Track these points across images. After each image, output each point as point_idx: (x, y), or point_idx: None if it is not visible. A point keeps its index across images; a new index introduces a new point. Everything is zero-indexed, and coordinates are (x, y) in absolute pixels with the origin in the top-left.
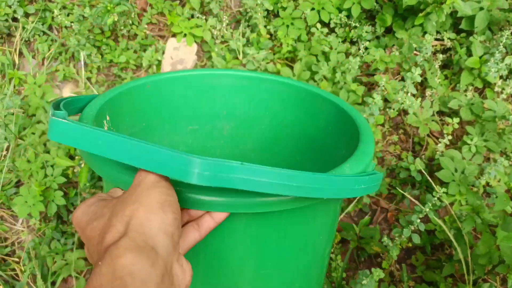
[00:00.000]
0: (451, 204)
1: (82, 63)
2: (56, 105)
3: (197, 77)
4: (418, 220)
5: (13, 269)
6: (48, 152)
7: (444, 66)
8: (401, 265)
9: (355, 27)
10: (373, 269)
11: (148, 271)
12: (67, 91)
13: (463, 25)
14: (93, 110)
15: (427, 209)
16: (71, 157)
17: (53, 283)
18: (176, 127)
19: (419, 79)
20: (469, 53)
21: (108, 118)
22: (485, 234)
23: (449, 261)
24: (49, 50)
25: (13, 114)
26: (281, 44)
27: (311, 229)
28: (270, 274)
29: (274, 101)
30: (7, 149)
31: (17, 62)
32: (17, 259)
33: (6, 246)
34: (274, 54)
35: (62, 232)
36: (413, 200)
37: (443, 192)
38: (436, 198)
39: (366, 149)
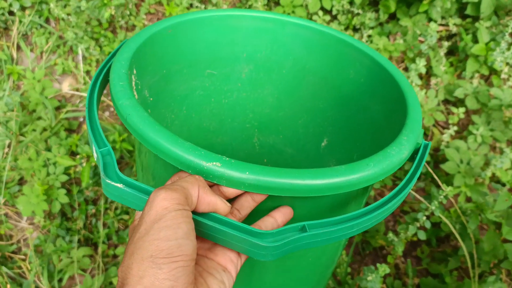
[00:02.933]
0: (457, 195)
1: (80, 57)
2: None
3: (219, 18)
4: (424, 218)
5: (20, 267)
6: (49, 149)
7: (449, 52)
8: (406, 258)
9: (358, 14)
10: (378, 265)
11: None
12: (66, 85)
13: (468, 11)
14: (124, 67)
15: (433, 207)
16: (73, 154)
17: (60, 280)
18: (194, 71)
19: (423, 70)
20: (475, 39)
21: (135, 71)
22: (489, 231)
23: (455, 254)
24: (47, 43)
25: (13, 110)
26: None
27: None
28: (299, 260)
29: (298, 45)
30: (9, 146)
31: (15, 56)
32: (23, 257)
33: (12, 244)
34: None
35: (67, 229)
36: (418, 197)
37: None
38: (442, 196)
39: (417, 116)
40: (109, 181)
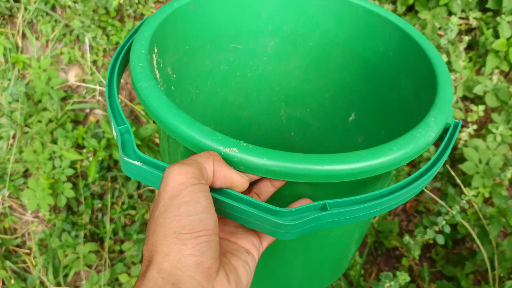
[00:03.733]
0: (474, 196)
1: (87, 46)
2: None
3: None
4: (444, 222)
5: (24, 261)
6: (55, 141)
7: (469, 46)
8: (420, 259)
9: None
10: (398, 273)
11: None
12: (73, 76)
13: (489, 4)
14: (144, 47)
15: (454, 212)
16: (79, 146)
17: (66, 275)
18: (218, 47)
19: None
20: (496, 34)
21: (156, 50)
22: (511, 238)
23: (471, 257)
24: (53, 31)
25: (18, 101)
26: None
27: None
28: (320, 248)
29: (326, 17)
30: (14, 137)
31: (20, 44)
32: (27, 251)
33: (16, 238)
34: None
35: (73, 224)
36: (434, 197)
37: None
38: (464, 201)
39: (447, 95)
40: (127, 159)
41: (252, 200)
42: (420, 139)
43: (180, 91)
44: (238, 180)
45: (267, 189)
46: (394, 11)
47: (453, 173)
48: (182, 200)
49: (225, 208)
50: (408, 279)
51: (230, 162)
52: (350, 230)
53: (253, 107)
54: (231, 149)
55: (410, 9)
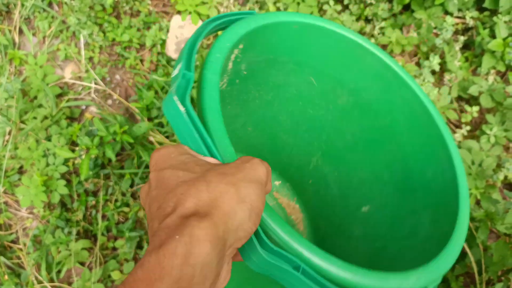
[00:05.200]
0: None
1: (82, 44)
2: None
3: (352, 46)
4: None
5: (18, 257)
6: (49, 138)
7: (465, 46)
8: None
9: (371, 4)
10: None
11: (214, 267)
12: (69, 72)
13: (486, 3)
14: (231, 41)
15: None
16: (73, 143)
17: (59, 271)
18: (298, 71)
19: (437, 68)
20: (492, 34)
21: (241, 46)
22: (499, 242)
23: (461, 259)
24: (50, 27)
25: (13, 97)
26: None
27: None
28: None
29: (403, 110)
30: (10, 133)
31: (17, 41)
32: (21, 247)
33: (11, 233)
34: None
35: (67, 220)
36: None
37: None
38: None
39: (444, 264)
40: (175, 98)
41: None
42: (392, 284)
43: (243, 87)
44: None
45: None
46: (390, 10)
47: None
48: (260, 188)
49: None
50: None
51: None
52: None
53: (294, 138)
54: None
55: (407, 7)
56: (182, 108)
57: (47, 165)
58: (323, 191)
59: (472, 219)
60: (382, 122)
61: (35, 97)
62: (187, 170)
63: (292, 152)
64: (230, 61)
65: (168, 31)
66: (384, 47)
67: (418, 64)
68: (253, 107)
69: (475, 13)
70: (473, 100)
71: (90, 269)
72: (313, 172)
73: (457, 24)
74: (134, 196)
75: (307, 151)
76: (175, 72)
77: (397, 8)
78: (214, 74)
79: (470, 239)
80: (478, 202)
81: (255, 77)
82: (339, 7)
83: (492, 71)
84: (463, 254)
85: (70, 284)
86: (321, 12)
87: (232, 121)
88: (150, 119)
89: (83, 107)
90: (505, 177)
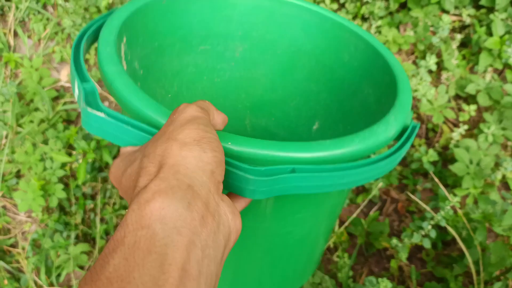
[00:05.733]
0: (465, 196)
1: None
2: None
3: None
4: (429, 227)
5: (17, 261)
6: (47, 142)
7: (462, 44)
8: (410, 260)
9: (367, 2)
10: (380, 279)
11: (182, 214)
12: (65, 75)
13: (483, 1)
14: (113, 34)
15: (439, 217)
16: (71, 146)
17: (59, 275)
18: (187, 47)
19: (434, 68)
20: (489, 32)
21: (124, 40)
22: (497, 242)
23: (460, 258)
24: (45, 30)
25: (9, 101)
26: None
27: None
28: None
29: (295, 26)
30: (7, 137)
31: (12, 43)
32: (21, 251)
33: (10, 238)
34: None
35: (65, 223)
36: (422, 204)
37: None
38: (449, 207)
39: (406, 98)
40: (90, 110)
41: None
42: (381, 134)
43: (147, 89)
44: (226, 120)
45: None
46: (387, 8)
47: (437, 180)
48: (199, 122)
49: None
50: (389, 286)
51: None
52: (312, 229)
53: None
54: None
55: (403, 5)
56: (101, 114)
57: (45, 169)
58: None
59: (469, 220)
60: (285, 48)
61: (31, 101)
62: (132, 163)
63: (225, 127)
64: (122, 59)
65: None
66: None
67: (415, 63)
68: (167, 106)
69: (471, 11)
70: (470, 99)
71: None
72: (253, 133)
73: (453, 22)
74: None
75: (237, 117)
76: (76, 93)
77: (393, 6)
78: (114, 65)
79: (468, 239)
80: (476, 202)
81: (152, 73)
82: (335, 6)
83: (490, 69)
84: (462, 254)
85: (70, 287)
86: None
87: None
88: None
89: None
90: (503, 176)
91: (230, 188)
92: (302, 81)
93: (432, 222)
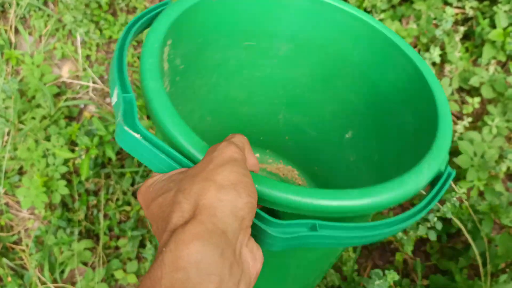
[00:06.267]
0: (469, 188)
1: (79, 42)
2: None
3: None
4: (435, 219)
5: (21, 258)
6: (49, 138)
7: (465, 36)
8: (414, 253)
9: None
10: (387, 272)
11: (217, 261)
12: (66, 71)
13: None
14: (159, 40)
15: (445, 209)
16: (73, 143)
17: (62, 271)
18: (232, 42)
19: (438, 60)
20: (492, 24)
21: (169, 42)
22: (504, 234)
23: (465, 251)
24: (46, 26)
25: (11, 98)
26: None
27: None
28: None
29: (344, 35)
30: (9, 134)
31: (13, 40)
32: (24, 248)
33: (13, 235)
34: None
35: (68, 220)
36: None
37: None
38: (455, 198)
39: (444, 142)
40: (127, 129)
41: None
42: (411, 184)
43: (185, 81)
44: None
45: None
46: (389, 1)
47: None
48: (237, 165)
49: None
50: (396, 277)
51: None
52: (330, 253)
53: (253, 106)
54: None
55: None
56: (137, 135)
57: (47, 165)
58: (302, 140)
59: (475, 211)
60: (331, 55)
61: (33, 97)
62: (165, 193)
63: (258, 120)
64: (164, 61)
65: None
66: None
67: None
68: (202, 97)
69: (474, 3)
70: (474, 91)
71: (93, 268)
72: (285, 128)
73: (456, 14)
74: (135, 194)
75: (271, 112)
76: (114, 100)
77: None
78: (155, 80)
79: (474, 231)
80: (481, 194)
81: (193, 66)
82: None
83: (493, 61)
84: (466, 246)
85: (73, 284)
86: None
87: (188, 119)
88: (149, 117)
89: (82, 106)
90: (508, 168)
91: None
92: (342, 89)
93: (438, 214)
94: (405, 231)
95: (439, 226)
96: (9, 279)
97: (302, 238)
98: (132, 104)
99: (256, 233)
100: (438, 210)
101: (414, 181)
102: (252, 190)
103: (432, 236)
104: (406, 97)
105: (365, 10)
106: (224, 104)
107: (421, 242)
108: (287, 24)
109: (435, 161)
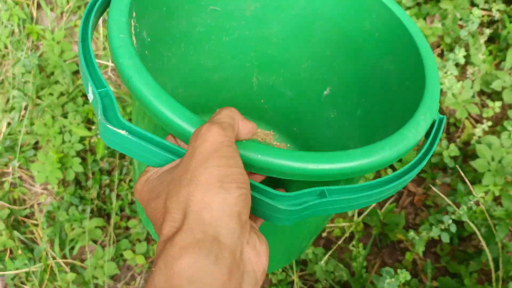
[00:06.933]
0: (485, 193)
1: (100, 21)
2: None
3: None
4: (450, 221)
5: (32, 232)
6: (66, 115)
7: (490, 39)
8: (424, 254)
9: None
10: (399, 271)
11: (211, 271)
12: None
13: None
14: (124, 14)
15: (461, 212)
16: (89, 121)
17: (72, 248)
18: (196, 8)
19: (462, 61)
20: None
21: (134, 14)
22: None
23: (476, 255)
24: (68, 3)
25: (30, 72)
26: None
27: None
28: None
29: None
30: (26, 108)
31: (35, 15)
32: (35, 222)
33: (25, 208)
34: None
35: (80, 198)
36: (444, 197)
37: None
38: (472, 202)
39: (435, 91)
40: (110, 127)
41: (252, 182)
42: (412, 138)
43: (154, 54)
44: (255, 130)
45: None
46: None
47: (461, 173)
48: (223, 154)
49: None
50: (408, 277)
51: None
52: (325, 221)
53: (225, 72)
54: None
55: None
56: (122, 132)
57: (63, 142)
58: (278, 102)
59: (491, 216)
60: (300, 9)
61: (52, 73)
62: (156, 198)
63: (231, 85)
64: (132, 35)
65: None
66: None
67: (440, 56)
68: (172, 68)
69: (501, 6)
70: (495, 95)
71: (103, 247)
72: (260, 91)
73: (482, 16)
74: None
75: (244, 76)
76: (90, 96)
77: None
78: (131, 57)
79: (488, 236)
80: (495, 199)
81: (160, 38)
82: None
83: None
84: (478, 251)
85: (82, 261)
86: None
87: None
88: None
89: None
90: None
91: (256, 213)
92: (316, 44)
93: (453, 217)
94: (417, 231)
95: (453, 228)
96: (20, 252)
97: (312, 207)
98: (110, 98)
99: (266, 210)
100: (453, 213)
101: (414, 133)
102: (242, 179)
103: (445, 238)
104: (385, 47)
105: None
106: (195, 73)
107: (432, 243)
108: None
109: (429, 111)
